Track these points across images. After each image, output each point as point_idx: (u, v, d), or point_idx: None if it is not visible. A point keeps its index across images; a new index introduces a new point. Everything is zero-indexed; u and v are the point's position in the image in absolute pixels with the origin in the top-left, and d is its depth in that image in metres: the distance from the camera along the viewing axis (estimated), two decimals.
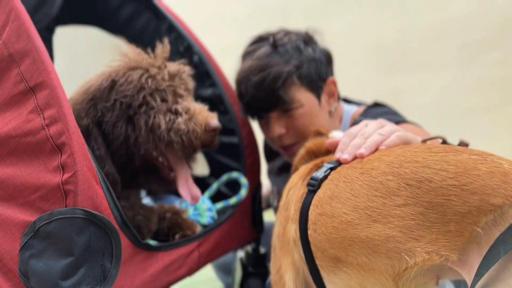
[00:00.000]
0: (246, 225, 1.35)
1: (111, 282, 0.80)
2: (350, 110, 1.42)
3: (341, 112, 1.42)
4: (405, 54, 3.05)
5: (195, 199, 1.08)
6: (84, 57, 1.75)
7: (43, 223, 0.75)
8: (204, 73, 1.46)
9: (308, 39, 1.34)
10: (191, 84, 1.12)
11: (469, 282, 0.61)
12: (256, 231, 1.41)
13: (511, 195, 0.59)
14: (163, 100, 1.03)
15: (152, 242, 1.00)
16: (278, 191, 1.53)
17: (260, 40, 1.35)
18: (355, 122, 1.31)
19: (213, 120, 1.04)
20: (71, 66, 1.77)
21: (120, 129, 1.00)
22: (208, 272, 2.00)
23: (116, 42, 1.58)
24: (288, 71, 1.24)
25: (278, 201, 1.54)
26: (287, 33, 1.34)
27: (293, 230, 0.87)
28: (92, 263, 0.77)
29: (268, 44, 1.30)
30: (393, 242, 0.66)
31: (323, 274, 0.81)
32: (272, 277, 0.94)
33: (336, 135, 1.09)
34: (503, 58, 2.79)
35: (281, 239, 0.93)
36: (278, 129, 1.30)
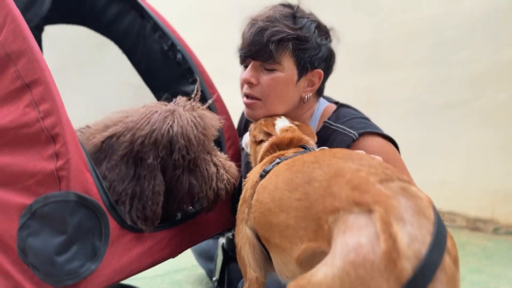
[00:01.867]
0: (226, 212, 1.44)
1: (100, 259, 0.89)
2: (323, 105, 1.50)
3: (314, 110, 1.49)
4: (380, 53, 3.14)
5: None
6: (71, 53, 1.81)
7: (39, 205, 0.84)
8: (187, 70, 1.54)
9: (324, 32, 1.41)
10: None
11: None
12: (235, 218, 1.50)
13: (348, 203, 0.70)
14: (209, 153, 1.13)
15: None
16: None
17: (287, 5, 1.43)
18: (324, 126, 1.40)
19: (236, 171, 1.19)
20: (59, 62, 1.83)
21: (185, 180, 1.07)
22: (191, 259, 2.09)
23: (103, 40, 1.66)
24: (289, 34, 1.31)
25: None
26: (312, 14, 1.43)
27: (246, 212, 1.03)
28: (83, 241, 0.86)
29: (291, 9, 1.39)
30: (291, 230, 0.80)
31: (268, 250, 0.95)
32: (237, 253, 1.06)
33: (279, 123, 1.23)
34: (472, 56, 2.90)
35: (237, 219, 1.08)
36: (251, 77, 1.36)
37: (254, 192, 1.00)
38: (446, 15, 2.97)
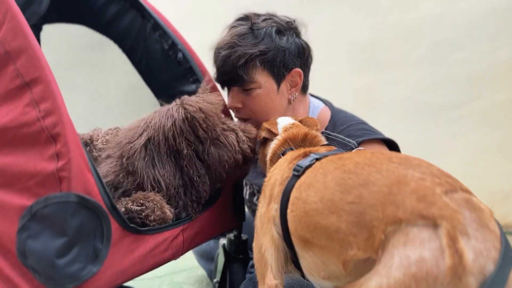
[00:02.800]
0: (228, 213, 1.43)
1: (101, 261, 0.87)
2: (318, 105, 1.51)
3: (308, 104, 1.50)
4: (378, 53, 3.14)
5: None
6: (70, 53, 1.79)
7: (40, 206, 0.82)
8: (188, 70, 1.53)
9: (285, 29, 1.41)
10: None
11: None
12: (238, 219, 1.49)
13: (413, 215, 0.68)
14: (223, 122, 1.21)
15: None
16: (250, 184, 1.62)
17: (244, 18, 1.45)
18: (324, 136, 1.40)
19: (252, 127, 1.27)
20: (57, 61, 1.81)
21: (214, 152, 1.17)
22: (191, 261, 2.08)
23: (102, 39, 1.64)
24: (251, 54, 1.33)
25: (250, 194, 1.63)
26: (269, 18, 1.43)
27: (275, 209, 0.96)
28: (84, 243, 0.84)
29: (247, 25, 1.40)
30: (341, 234, 0.76)
31: (297, 249, 0.90)
32: (255, 256, 1.01)
33: (281, 122, 1.22)
34: (470, 56, 2.91)
35: (262, 218, 1.00)
36: (235, 102, 1.41)
37: (285, 188, 0.95)
38: (444, 15, 2.97)
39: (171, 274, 2.00)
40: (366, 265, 0.73)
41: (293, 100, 1.43)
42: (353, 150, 0.98)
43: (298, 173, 0.94)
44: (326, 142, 1.17)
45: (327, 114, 1.47)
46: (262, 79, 1.36)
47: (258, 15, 1.44)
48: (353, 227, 0.74)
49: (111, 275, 0.92)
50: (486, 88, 2.89)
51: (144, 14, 1.54)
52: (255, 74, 1.36)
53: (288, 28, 1.42)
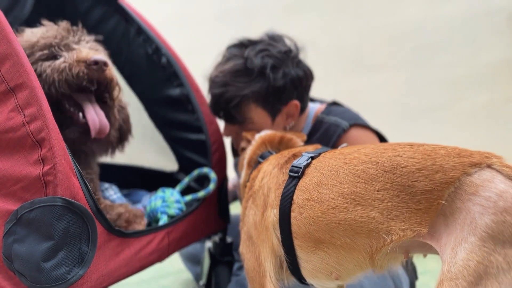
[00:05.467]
0: (213, 216, 1.44)
1: (88, 264, 0.88)
2: (314, 108, 1.52)
3: (305, 120, 1.49)
4: (363, 56, 3.20)
5: (102, 129, 1.12)
6: None
7: (25, 211, 0.82)
8: (172, 74, 1.54)
9: (282, 61, 1.34)
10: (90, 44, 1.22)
11: (438, 251, 0.73)
12: (223, 222, 1.50)
13: (464, 168, 0.72)
14: (55, 53, 1.12)
15: None
16: None
17: (240, 46, 1.40)
18: (317, 120, 1.43)
19: (95, 55, 1.10)
20: None
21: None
22: (177, 264, 2.08)
23: None
24: (244, 95, 1.31)
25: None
26: (264, 49, 1.35)
27: (273, 214, 0.94)
28: (70, 247, 0.85)
29: (241, 60, 1.34)
30: (374, 223, 0.77)
31: (300, 253, 0.90)
32: (250, 264, 0.99)
33: (262, 132, 1.24)
34: (452, 60, 2.97)
35: (258, 226, 0.99)
36: (228, 132, 1.45)
37: (283, 192, 0.93)
38: (426, 20, 3.03)
39: (157, 277, 2.01)
40: (405, 245, 0.77)
41: (290, 128, 1.43)
42: (341, 146, 0.98)
43: (297, 174, 0.92)
44: (302, 144, 1.19)
45: (322, 107, 1.49)
46: (256, 116, 1.35)
47: (254, 45, 1.37)
48: (390, 211, 0.76)
49: (98, 277, 0.92)
50: (467, 90, 2.96)
51: (128, 18, 1.55)
52: (248, 112, 1.35)
53: (285, 60, 1.35)
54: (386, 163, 0.79)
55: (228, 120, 1.41)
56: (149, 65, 1.56)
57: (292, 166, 0.95)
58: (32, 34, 1.16)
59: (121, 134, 1.36)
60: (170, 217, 1.27)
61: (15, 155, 0.85)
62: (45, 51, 1.11)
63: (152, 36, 1.54)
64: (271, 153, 1.13)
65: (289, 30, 3.02)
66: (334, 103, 1.52)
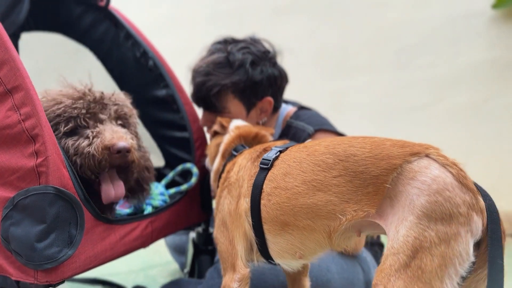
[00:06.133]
0: (195, 207, 1.56)
1: (76, 246, 1.00)
2: (285, 110, 1.64)
3: (276, 118, 1.62)
4: (347, 58, 3.30)
5: (116, 196, 1.13)
6: (49, 60, 1.89)
7: (21, 198, 0.94)
8: (158, 76, 1.65)
9: (260, 59, 1.48)
10: (116, 108, 1.20)
11: (385, 229, 0.84)
12: (206, 213, 1.61)
13: (406, 156, 0.83)
14: (79, 126, 1.12)
15: None
16: None
17: (222, 43, 1.54)
18: (287, 124, 1.55)
19: (119, 142, 1.08)
20: (38, 68, 1.91)
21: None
22: (165, 256, 2.20)
23: (78, 48, 1.76)
24: (224, 85, 1.44)
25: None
26: (246, 47, 1.49)
27: (245, 202, 1.05)
28: (61, 230, 0.96)
29: (223, 53, 1.48)
30: (331, 205, 0.89)
31: (268, 236, 1.01)
32: (223, 247, 1.10)
33: (235, 123, 1.33)
34: (433, 61, 3.08)
35: (232, 214, 1.09)
36: (205, 122, 1.56)
37: (254, 182, 1.03)
38: (408, 22, 3.14)
39: (146, 268, 2.12)
40: (357, 225, 0.89)
41: (262, 123, 1.54)
42: (308, 140, 1.09)
43: (266, 166, 1.04)
44: (272, 139, 1.30)
45: (292, 111, 1.62)
46: (232, 106, 1.48)
47: (237, 42, 1.51)
48: (344, 195, 0.88)
49: (85, 258, 1.04)
50: (448, 90, 3.06)
51: (117, 24, 1.65)
52: (226, 102, 1.47)
53: (264, 59, 1.49)
54: (342, 153, 0.91)
55: (208, 109, 1.51)
56: (137, 68, 1.67)
57: (263, 159, 1.06)
58: (56, 101, 1.13)
59: (138, 189, 1.32)
60: (155, 208, 1.38)
61: (12, 149, 0.96)
62: (70, 125, 1.11)
63: (140, 41, 1.65)
64: (244, 147, 1.24)
65: (278, 32, 3.20)
66: (303, 108, 1.63)
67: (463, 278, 0.76)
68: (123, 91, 1.74)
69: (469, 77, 3.00)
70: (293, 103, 1.72)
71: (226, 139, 1.28)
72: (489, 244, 0.75)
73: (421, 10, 3.10)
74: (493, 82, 2.95)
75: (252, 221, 1.03)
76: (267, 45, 1.56)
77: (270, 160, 1.04)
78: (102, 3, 1.64)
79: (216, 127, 1.35)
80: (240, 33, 1.63)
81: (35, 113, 0.95)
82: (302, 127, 1.48)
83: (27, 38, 1.74)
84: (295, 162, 0.98)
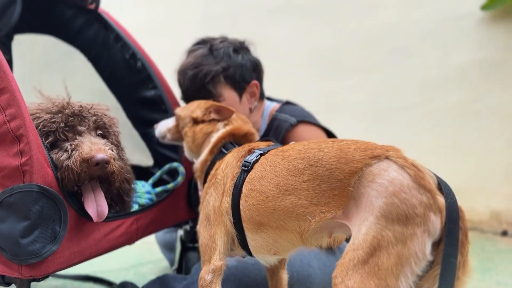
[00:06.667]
0: (182, 205, 1.59)
1: (59, 242, 1.03)
2: (270, 106, 1.70)
3: (263, 109, 1.69)
4: (340, 59, 3.35)
5: (100, 216, 1.11)
6: (41, 62, 1.93)
7: (6, 195, 0.98)
8: (147, 77, 1.70)
9: (240, 48, 1.60)
10: (95, 119, 1.21)
11: (350, 228, 0.88)
12: (193, 211, 1.65)
13: (366, 160, 0.87)
14: (58, 139, 1.13)
15: None
16: None
17: (201, 42, 1.62)
18: (272, 118, 1.60)
19: (97, 154, 1.07)
20: (29, 69, 1.95)
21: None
22: (156, 254, 2.24)
23: (69, 50, 1.80)
24: (216, 70, 1.51)
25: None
26: (223, 40, 1.61)
27: (227, 202, 1.10)
28: (45, 226, 1.00)
29: (206, 47, 1.57)
30: (301, 208, 0.94)
31: (247, 233, 1.06)
32: (204, 241, 1.14)
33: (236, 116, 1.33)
34: (423, 62, 3.12)
35: (216, 211, 1.14)
36: None
37: (235, 183, 1.08)
38: (399, 24, 3.19)
39: (137, 265, 2.16)
40: (327, 226, 0.93)
41: (254, 108, 1.62)
42: (290, 144, 1.13)
43: (247, 168, 1.09)
44: (258, 138, 1.34)
45: (277, 106, 1.69)
46: (226, 93, 1.54)
47: (214, 38, 1.61)
48: (313, 198, 0.92)
49: (69, 254, 1.08)
50: (438, 90, 3.11)
51: (107, 26, 1.70)
52: (220, 88, 1.53)
53: (242, 48, 1.60)
54: (311, 157, 0.96)
55: (204, 98, 1.51)
56: (126, 69, 1.72)
57: (244, 161, 1.11)
58: (34, 116, 1.13)
59: (118, 201, 1.30)
60: (141, 206, 1.42)
61: None
62: (50, 138, 1.12)
63: (129, 43, 1.69)
64: (233, 146, 1.26)
65: (271, 33, 3.24)
66: (288, 103, 1.69)
67: (421, 276, 0.80)
68: (112, 91, 1.81)
69: (458, 78, 3.05)
70: (279, 101, 1.77)
71: (219, 133, 1.28)
72: (445, 243, 0.78)
73: (412, 12, 3.15)
74: (482, 82, 2.99)
75: (233, 219, 1.08)
76: (238, 40, 1.67)
77: (250, 163, 1.09)
78: (92, 6, 1.68)
79: (212, 115, 1.32)
80: (233, 34, 1.70)
81: (20, 114, 0.99)
82: (286, 118, 1.55)
83: (20, 40, 1.78)
84: (271, 166, 1.03)
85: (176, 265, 1.73)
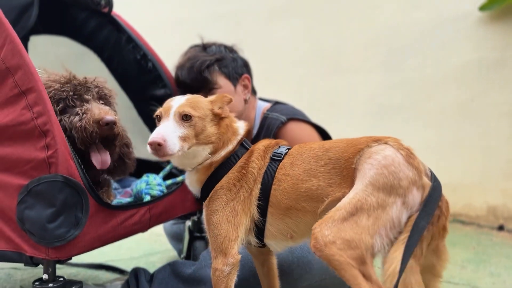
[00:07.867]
0: (190, 197, 1.69)
1: (81, 227, 1.14)
2: (262, 105, 1.82)
3: (256, 106, 1.81)
4: (341, 58, 3.43)
5: (103, 164, 1.30)
6: (57, 61, 2.03)
7: (34, 185, 1.08)
8: (157, 77, 1.80)
9: (230, 49, 1.75)
10: (98, 89, 1.37)
11: None
12: (201, 202, 1.75)
13: (368, 143, 1.01)
14: (68, 106, 1.28)
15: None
16: None
17: (194, 46, 1.78)
18: (264, 117, 1.70)
19: (106, 116, 1.26)
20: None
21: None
22: (164, 244, 2.34)
23: (84, 50, 1.89)
24: (211, 59, 1.65)
25: None
26: (215, 43, 1.76)
27: (258, 189, 1.15)
28: (68, 213, 1.11)
29: (200, 47, 1.74)
30: (320, 190, 1.05)
31: (270, 219, 1.14)
32: (223, 232, 1.12)
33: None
34: (423, 62, 3.20)
35: (246, 200, 1.15)
36: None
37: (266, 171, 1.16)
38: (399, 25, 3.26)
39: (147, 255, 2.26)
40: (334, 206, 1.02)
41: (248, 100, 1.74)
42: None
43: (279, 157, 1.17)
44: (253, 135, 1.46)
45: (268, 106, 1.81)
46: (222, 81, 1.67)
47: (206, 42, 1.77)
48: (329, 179, 1.05)
49: (89, 239, 1.18)
50: (437, 90, 3.18)
51: (119, 28, 1.80)
52: (216, 77, 1.66)
53: (232, 49, 1.76)
54: (327, 146, 1.11)
55: (200, 88, 1.63)
56: (138, 69, 1.82)
57: (275, 152, 1.19)
58: (46, 85, 1.26)
59: (120, 163, 1.51)
60: (153, 197, 1.52)
61: (26, 143, 1.11)
62: (61, 105, 1.28)
63: (140, 44, 1.79)
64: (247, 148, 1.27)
65: (273, 34, 3.35)
66: (278, 102, 1.82)
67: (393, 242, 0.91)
68: (124, 90, 1.91)
69: (456, 77, 3.11)
70: (270, 101, 1.87)
71: (244, 128, 1.29)
72: (419, 211, 0.91)
73: (412, 14, 3.22)
74: (479, 82, 3.06)
75: (261, 203, 1.13)
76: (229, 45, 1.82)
77: (282, 154, 1.18)
78: (105, 9, 1.78)
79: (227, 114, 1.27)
80: (238, 35, 1.81)
81: (46, 112, 1.09)
82: (276, 116, 1.67)
83: (36, 41, 1.88)
84: (298, 155, 1.16)
85: (184, 254, 1.83)
